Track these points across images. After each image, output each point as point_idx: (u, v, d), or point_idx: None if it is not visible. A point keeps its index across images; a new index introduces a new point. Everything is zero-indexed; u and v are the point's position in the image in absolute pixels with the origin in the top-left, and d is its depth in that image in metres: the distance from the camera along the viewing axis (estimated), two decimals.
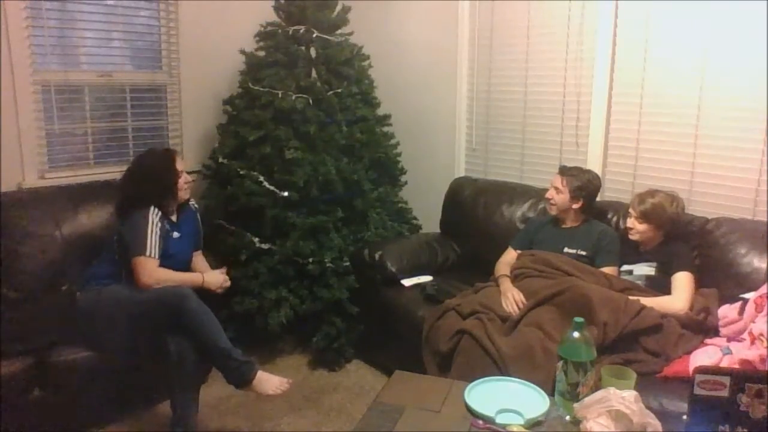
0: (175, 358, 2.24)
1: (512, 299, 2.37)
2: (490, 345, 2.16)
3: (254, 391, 2.27)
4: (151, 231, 2.37)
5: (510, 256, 2.76)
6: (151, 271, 2.33)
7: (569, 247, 2.62)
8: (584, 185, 2.62)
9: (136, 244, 2.35)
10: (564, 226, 2.71)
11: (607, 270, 2.49)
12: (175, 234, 2.54)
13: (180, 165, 2.57)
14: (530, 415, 1.57)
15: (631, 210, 2.51)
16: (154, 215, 2.41)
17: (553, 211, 2.71)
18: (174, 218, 2.58)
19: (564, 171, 2.68)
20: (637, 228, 2.48)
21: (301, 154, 3.01)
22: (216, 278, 2.58)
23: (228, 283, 2.63)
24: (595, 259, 2.57)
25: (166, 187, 2.52)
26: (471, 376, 1.82)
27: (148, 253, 2.34)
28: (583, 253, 2.59)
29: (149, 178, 2.50)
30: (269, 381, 2.27)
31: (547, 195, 2.71)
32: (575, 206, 2.64)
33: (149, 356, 2.31)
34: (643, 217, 2.45)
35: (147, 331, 2.28)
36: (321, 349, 3.01)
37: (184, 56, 3.40)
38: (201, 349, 2.26)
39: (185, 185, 2.58)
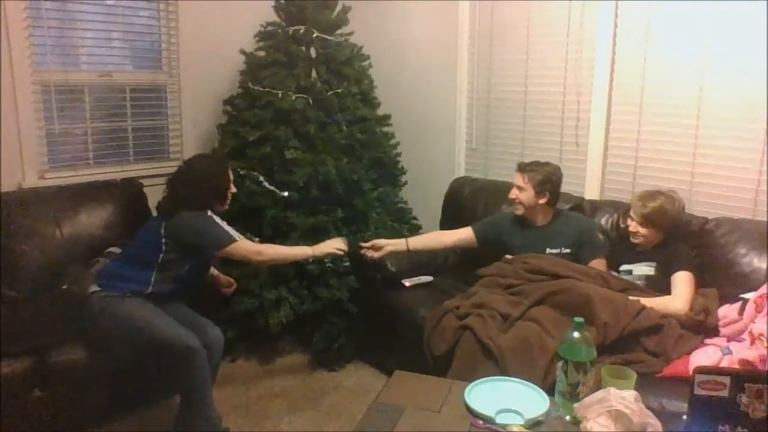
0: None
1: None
2: (488, 339, 2.15)
3: None
4: (222, 222, 2.42)
5: (463, 233, 2.76)
6: (254, 248, 2.42)
7: (551, 247, 2.56)
8: (546, 178, 2.55)
9: (218, 238, 2.35)
10: (537, 225, 2.64)
11: (596, 263, 2.47)
12: None
13: (231, 175, 2.52)
14: (530, 415, 1.57)
15: (632, 214, 2.48)
16: (213, 216, 2.43)
17: (520, 211, 2.62)
18: None
19: (523, 168, 2.60)
20: (640, 232, 2.45)
21: (301, 154, 3.01)
22: (332, 244, 2.57)
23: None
24: (580, 254, 2.53)
25: (219, 191, 2.45)
26: (470, 371, 1.82)
27: (238, 238, 2.38)
28: (567, 250, 2.54)
29: (204, 181, 2.40)
30: None
31: (511, 195, 2.61)
32: (541, 201, 2.56)
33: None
34: (646, 221, 2.43)
35: (151, 362, 2.24)
36: (321, 349, 3.01)
37: (184, 56, 3.40)
38: (184, 400, 2.24)
39: (229, 195, 2.52)
